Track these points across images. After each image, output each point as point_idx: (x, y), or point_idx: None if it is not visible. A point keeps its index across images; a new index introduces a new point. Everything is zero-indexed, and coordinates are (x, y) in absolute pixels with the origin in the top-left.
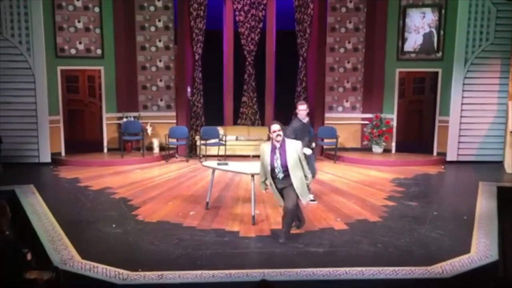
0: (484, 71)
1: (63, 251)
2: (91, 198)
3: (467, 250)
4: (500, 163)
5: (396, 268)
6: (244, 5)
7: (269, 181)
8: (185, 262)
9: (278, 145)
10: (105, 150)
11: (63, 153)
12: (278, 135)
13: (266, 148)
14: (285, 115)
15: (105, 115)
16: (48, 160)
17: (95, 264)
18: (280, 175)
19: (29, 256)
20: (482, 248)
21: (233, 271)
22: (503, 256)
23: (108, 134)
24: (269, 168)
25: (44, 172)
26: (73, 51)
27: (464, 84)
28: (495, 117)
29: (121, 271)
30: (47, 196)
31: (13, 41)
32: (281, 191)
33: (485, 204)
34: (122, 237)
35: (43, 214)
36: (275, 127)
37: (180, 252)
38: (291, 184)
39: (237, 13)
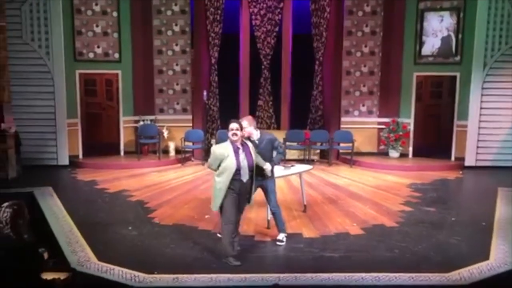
0: (503, 75)
1: (80, 252)
2: (108, 201)
3: (486, 257)
4: None
5: (413, 275)
6: (260, 9)
7: (225, 184)
8: (201, 265)
9: (238, 145)
10: (122, 153)
11: (80, 156)
12: (234, 134)
13: (225, 149)
14: (301, 119)
15: (122, 118)
16: (66, 162)
17: (112, 266)
18: (245, 178)
19: (46, 256)
20: (501, 255)
21: (248, 275)
22: None
23: (125, 137)
24: (234, 169)
25: (62, 175)
26: (91, 55)
27: (483, 88)
28: None
29: (137, 273)
30: (65, 198)
31: (33, 45)
32: (237, 197)
33: (504, 210)
34: (138, 239)
35: (60, 216)
36: (233, 125)
37: (195, 255)
38: (249, 192)
39: (253, 17)
